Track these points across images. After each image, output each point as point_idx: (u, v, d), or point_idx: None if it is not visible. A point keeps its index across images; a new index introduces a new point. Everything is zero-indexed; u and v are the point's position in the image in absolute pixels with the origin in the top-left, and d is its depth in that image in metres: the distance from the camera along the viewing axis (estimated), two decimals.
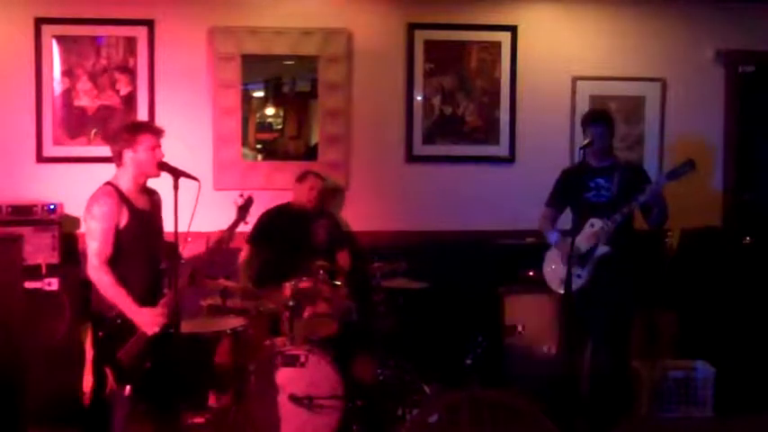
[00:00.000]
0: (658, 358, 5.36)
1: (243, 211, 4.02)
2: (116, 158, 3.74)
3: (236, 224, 3.96)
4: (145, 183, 3.78)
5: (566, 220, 4.78)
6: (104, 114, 5.39)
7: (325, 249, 5.24)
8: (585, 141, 4.49)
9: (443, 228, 5.70)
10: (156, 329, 3.62)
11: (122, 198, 3.68)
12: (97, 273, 3.62)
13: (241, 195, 4.06)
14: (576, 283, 4.48)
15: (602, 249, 4.47)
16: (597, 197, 4.56)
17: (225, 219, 3.97)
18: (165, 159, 3.73)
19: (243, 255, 5.28)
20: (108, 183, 3.74)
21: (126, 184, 3.73)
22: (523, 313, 5.25)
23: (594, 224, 4.50)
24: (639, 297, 4.82)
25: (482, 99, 5.75)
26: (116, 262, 3.66)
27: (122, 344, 3.60)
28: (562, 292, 4.50)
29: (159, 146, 3.75)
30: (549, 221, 4.79)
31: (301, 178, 5.32)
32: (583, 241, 4.50)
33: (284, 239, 5.20)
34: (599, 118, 4.64)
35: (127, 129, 3.75)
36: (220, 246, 3.88)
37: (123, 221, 3.66)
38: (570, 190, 4.66)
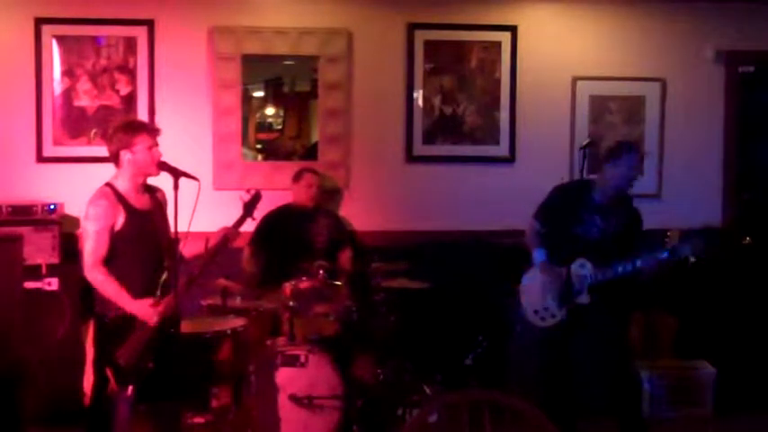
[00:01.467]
0: (658, 358, 5.36)
1: (249, 207, 3.99)
2: (113, 159, 3.74)
3: (241, 221, 3.94)
4: (144, 182, 3.78)
5: None
6: (104, 114, 5.39)
7: (327, 249, 5.24)
8: (586, 141, 4.45)
9: (443, 228, 5.70)
10: (156, 319, 3.61)
11: (119, 199, 3.68)
12: (92, 272, 3.63)
13: (248, 191, 4.04)
14: (550, 322, 4.35)
15: (583, 299, 4.28)
16: (586, 233, 4.32)
17: (225, 219, 3.97)
18: (164, 159, 3.73)
19: (245, 257, 5.28)
20: (106, 183, 3.74)
21: (124, 184, 3.73)
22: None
23: (584, 266, 4.26)
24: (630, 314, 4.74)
25: (482, 99, 5.75)
26: (115, 262, 3.66)
27: (123, 343, 3.60)
28: (533, 322, 4.42)
29: (157, 145, 3.74)
30: (537, 236, 4.51)
31: (297, 177, 5.32)
32: (573, 275, 4.28)
33: (286, 241, 5.20)
34: (632, 148, 4.37)
35: (123, 130, 3.72)
36: (225, 243, 3.87)
37: (120, 222, 3.66)
38: (563, 215, 4.41)
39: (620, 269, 4.19)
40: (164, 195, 3.88)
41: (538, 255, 4.46)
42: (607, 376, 4.41)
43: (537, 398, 4.42)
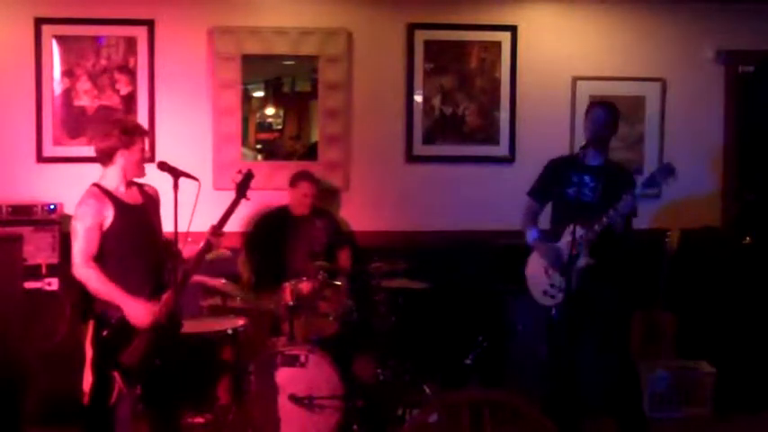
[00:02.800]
0: (658, 358, 5.36)
1: (242, 187, 3.96)
2: (105, 157, 3.72)
3: (235, 203, 3.92)
4: (132, 179, 3.79)
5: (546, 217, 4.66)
6: (104, 114, 5.38)
7: (325, 250, 5.24)
8: (585, 142, 4.47)
9: (443, 228, 5.70)
10: (147, 322, 3.59)
11: (108, 195, 3.67)
12: (82, 270, 3.61)
13: (239, 171, 4.00)
14: (559, 297, 4.31)
15: (584, 261, 4.25)
16: (578, 195, 4.33)
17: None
18: (164, 159, 3.74)
19: (241, 259, 5.28)
20: (93, 184, 3.73)
21: (113, 181, 3.72)
22: (523, 313, 5.24)
23: (576, 232, 4.21)
24: (634, 300, 4.73)
25: (482, 99, 5.75)
26: (113, 259, 3.65)
27: (127, 345, 3.59)
28: (545, 303, 4.41)
29: (145, 147, 3.81)
30: (530, 215, 4.58)
31: (294, 183, 5.28)
32: (563, 250, 4.30)
33: (282, 243, 5.20)
34: (600, 104, 4.50)
35: (124, 130, 3.72)
36: (221, 226, 3.85)
37: (110, 219, 3.64)
38: (554, 182, 4.49)
39: (604, 219, 4.20)
40: (154, 190, 3.88)
41: (530, 234, 4.52)
42: (607, 366, 4.42)
43: (537, 398, 4.43)
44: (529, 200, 4.64)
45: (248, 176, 3.97)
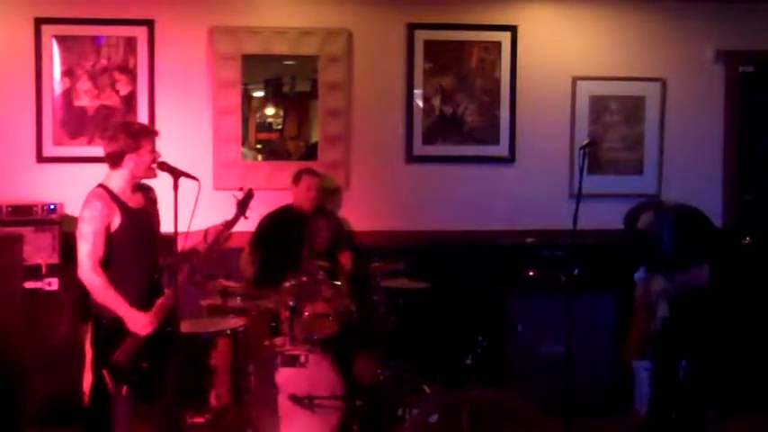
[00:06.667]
0: None
1: (242, 206, 3.97)
2: (113, 161, 3.70)
3: (235, 220, 3.93)
4: (139, 182, 3.78)
5: None
6: (104, 114, 5.38)
7: (327, 250, 5.24)
8: (586, 141, 4.47)
9: (443, 228, 5.70)
10: (148, 331, 3.60)
11: (114, 199, 3.66)
12: (89, 275, 3.60)
13: (240, 189, 4.02)
14: (651, 329, 4.51)
15: (663, 311, 4.41)
16: (664, 246, 4.37)
17: (225, 219, 3.96)
18: (164, 159, 3.73)
19: (244, 256, 5.28)
20: (99, 185, 3.71)
21: (119, 185, 3.70)
22: (523, 313, 5.24)
23: (658, 282, 4.38)
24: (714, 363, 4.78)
25: (482, 99, 5.75)
26: (113, 263, 3.64)
27: (120, 345, 3.60)
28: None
29: (155, 147, 3.76)
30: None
31: (297, 179, 5.30)
32: (652, 292, 4.45)
33: (286, 242, 5.20)
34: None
35: (131, 133, 3.70)
36: (218, 242, 3.86)
37: (116, 223, 3.64)
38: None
39: (677, 279, 4.30)
40: (155, 194, 3.87)
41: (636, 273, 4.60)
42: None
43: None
44: None
45: (249, 195, 4.00)
